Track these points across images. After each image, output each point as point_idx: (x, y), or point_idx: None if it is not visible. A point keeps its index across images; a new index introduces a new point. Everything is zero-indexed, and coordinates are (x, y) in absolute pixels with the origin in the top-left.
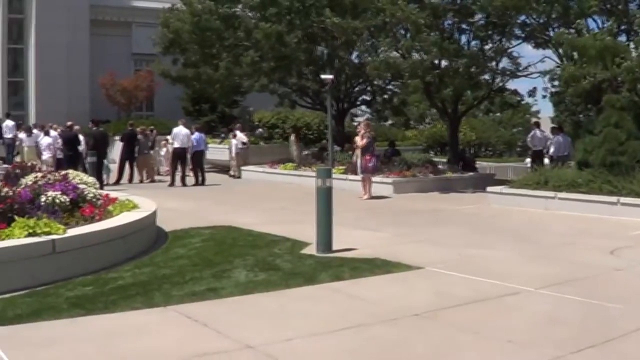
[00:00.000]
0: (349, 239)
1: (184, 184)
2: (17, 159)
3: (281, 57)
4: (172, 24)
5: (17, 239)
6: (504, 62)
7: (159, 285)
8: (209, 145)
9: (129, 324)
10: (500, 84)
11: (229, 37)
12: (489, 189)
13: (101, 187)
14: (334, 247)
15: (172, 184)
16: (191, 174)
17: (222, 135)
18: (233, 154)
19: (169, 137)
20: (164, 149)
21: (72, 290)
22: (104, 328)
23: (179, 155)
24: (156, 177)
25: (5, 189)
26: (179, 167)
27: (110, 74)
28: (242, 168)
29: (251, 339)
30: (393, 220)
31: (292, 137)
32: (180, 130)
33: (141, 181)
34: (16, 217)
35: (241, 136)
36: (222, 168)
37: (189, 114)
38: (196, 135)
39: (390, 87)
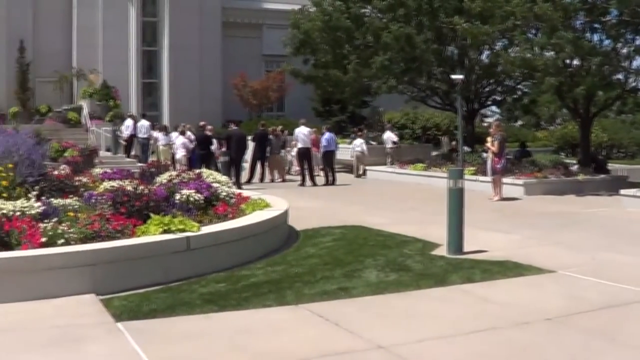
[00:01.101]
0: (479, 241)
1: (313, 183)
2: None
3: (411, 59)
4: (302, 25)
5: (152, 235)
6: (638, 61)
7: (290, 284)
8: (339, 145)
9: (262, 321)
10: (634, 84)
11: (358, 38)
12: (622, 191)
13: (239, 187)
14: (465, 249)
15: (302, 183)
16: (321, 173)
17: (352, 135)
18: (355, 154)
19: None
20: (295, 149)
21: (205, 286)
22: (237, 325)
23: (303, 155)
24: (287, 177)
25: (141, 187)
26: (308, 167)
27: (241, 75)
28: (372, 168)
29: (382, 339)
30: (524, 222)
31: (445, 138)
32: (301, 130)
33: (272, 180)
34: (151, 215)
35: (392, 135)
36: (352, 168)
37: (319, 115)
38: (327, 135)
39: (520, 86)
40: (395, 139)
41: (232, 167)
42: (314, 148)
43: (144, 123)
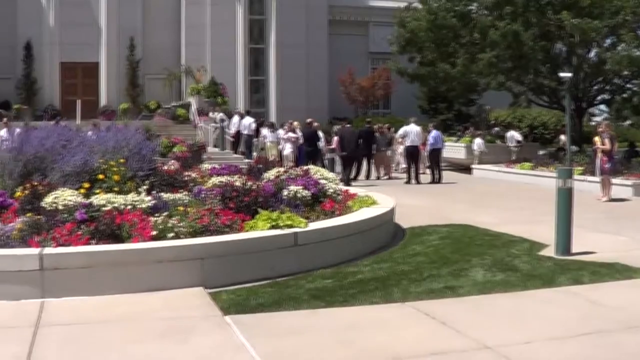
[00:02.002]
0: (587, 242)
1: (418, 181)
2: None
3: (518, 56)
4: (408, 24)
5: (260, 230)
6: None
7: (397, 281)
8: (445, 144)
9: (368, 318)
10: None
11: (464, 36)
12: None
13: (347, 183)
14: (573, 250)
15: (408, 181)
16: (427, 171)
17: (459, 133)
18: (476, 153)
19: (398, 134)
20: (401, 147)
21: (312, 282)
22: (344, 321)
23: (411, 153)
24: (393, 174)
25: (250, 183)
26: (414, 165)
27: (348, 72)
28: (478, 167)
29: (489, 339)
30: (633, 224)
31: (562, 137)
32: (412, 128)
33: (378, 178)
34: (260, 210)
35: (515, 134)
36: (458, 166)
37: (425, 112)
38: (434, 133)
39: (629, 85)
40: (520, 137)
41: (347, 164)
42: (420, 146)
43: (248, 120)
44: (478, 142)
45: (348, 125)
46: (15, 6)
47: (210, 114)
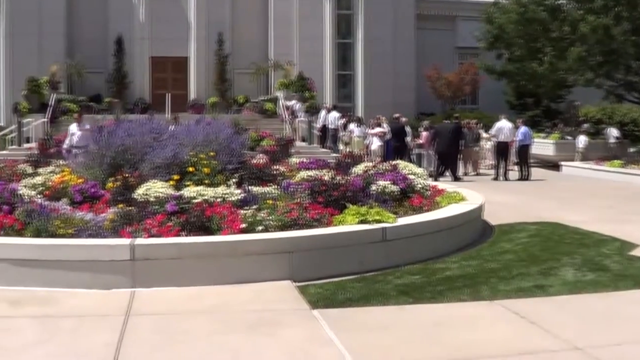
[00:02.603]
0: None
1: (506, 178)
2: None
3: (608, 51)
4: (496, 20)
5: (349, 225)
6: None
7: (485, 279)
8: (534, 140)
9: (456, 316)
10: None
11: (554, 30)
12: None
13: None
14: None
15: (496, 177)
16: (515, 168)
17: (547, 129)
18: (580, 149)
19: (491, 131)
20: (489, 143)
21: (400, 278)
22: (432, 317)
23: (502, 150)
24: (481, 170)
25: (338, 177)
26: (503, 161)
27: (435, 67)
28: (567, 164)
29: (579, 340)
30: None
31: None
32: (504, 124)
33: (466, 174)
34: (348, 205)
35: (614, 130)
36: (546, 163)
37: (513, 108)
38: (523, 129)
39: None
40: (618, 133)
41: (441, 160)
42: (509, 142)
43: (334, 114)
44: (582, 139)
45: (446, 121)
46: (107, 2)
47: (287, 102)
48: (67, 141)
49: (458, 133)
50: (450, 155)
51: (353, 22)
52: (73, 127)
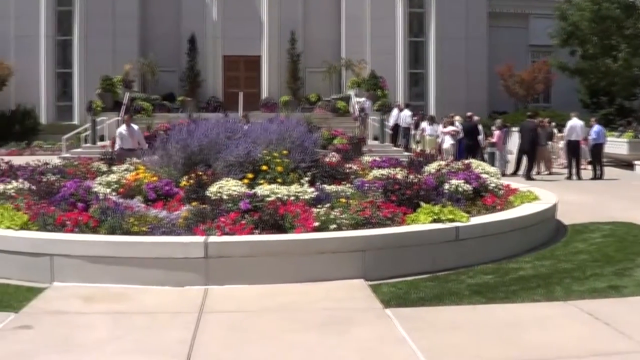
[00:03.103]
0: None
1: (579, 177)
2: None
3: None
4: (570, 16)
5: (422, 224)
6: None
7: (559, 279)
8: (607, 139)
9: (529, 316)
10: None
11: (628, 27)
12: None
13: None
14: None
15: (569, 177)
16: (589, 167)
17: (621, 128)
18: None
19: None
20: (562, 141)
21: (472, 277)
22: (504, 317)
23: (574, 148)
24: (553, 170)
25: (411, 176)
26: (576, 160)
27: (507, 65)
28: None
29: None
30: None
31: None
32: (575, 123)
33: (538, 173)
34: (422, 203)
35: None
36: (619, 162)
37: (586, 107)
38: (596, 127)
39: None
40: None
41: (522, 158)
42: (582, 141)
43: (406, 112)
44: None
45: (529, 120)
46: (180, 1)
47: (357, 99)
48: (117, 143)
49: (531, 131)
50: (529, 153)
51: (425, 20)
52: (122, 129)
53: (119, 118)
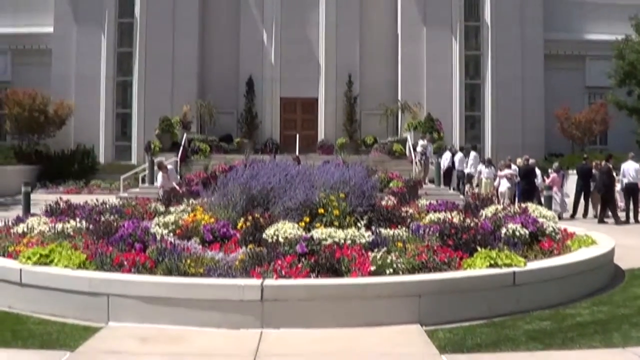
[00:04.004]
0: None
1: (637, 220)
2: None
3: None
4: (627, 56)
5: (478, 269)
6: None
7: (617, 325)
8: None
9: None
10: None
11: None
12: None
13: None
14: None
15: (627, 220)
16: None
17: None
18: None
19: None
20: (618, 185)
21: (529, 323)
22: None
23: (630, 191)
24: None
25: (467, 220)
26: (634, 203)
27: (564, 107)
28: None
29: None
30: None
31: None
32: (630, 165)
33: (595, 216)
34: (478, 248)
35: None
36: None
37: None
38: (634, 165)
39: None
40: None
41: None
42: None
43: (460, 155)
44: None
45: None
46: (238, 44)
47: (421, 141)
48: (159, 184)
49: (587, 174)
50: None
51: (482, 63)
52: (159, 176)
53: (177, 159)
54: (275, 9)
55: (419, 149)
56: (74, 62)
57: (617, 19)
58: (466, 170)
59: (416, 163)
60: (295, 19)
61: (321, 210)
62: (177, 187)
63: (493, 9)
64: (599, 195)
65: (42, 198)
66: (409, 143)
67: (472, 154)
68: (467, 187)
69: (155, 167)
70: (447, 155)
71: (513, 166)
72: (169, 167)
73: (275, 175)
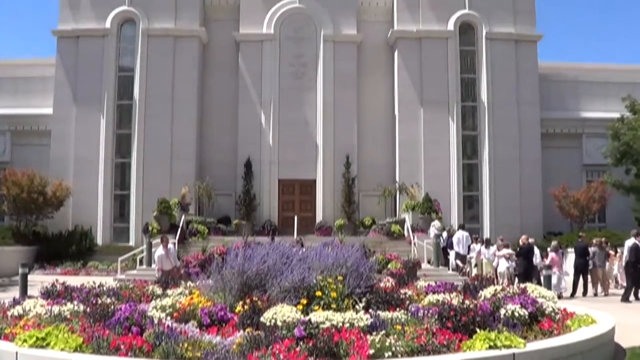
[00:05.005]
0: None
1: (637, 298)
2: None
3: None
4: (623, 135)
5: (477, 351)
6: None
7: None
8: None
9: None
10: None
11: None
12: None
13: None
14: None
15: (626, 298)
16: None
17: None
18: None
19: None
20: (617, 262)
21: None
22: None
23: (632, 268)
24: (610, 291)
25: (467, 302)
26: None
27: (561, 186)
28: None
29: None
30: None
31: None
32: (630, 242)
33: (595, 294)
34: (477, 329)
35: None
36: None
37: None
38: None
39: None
40: None
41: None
42: None
43: (459, 235)
44: None
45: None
46: (236, 126)
47: (436, 223)
48: (156, 265)
49: (584, 252)
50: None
51: (479, 143)
52: (160, 251)
53: (174, 241)
54: (273, 91)
55: (432, 229)
56: (72, 144)
57: (612, 96)
58: (455, 249)
59: (412, 244)
60: (293, 101)
61: (319, 293)
62: (176, 269)
63: (489, 90)
64: (599, 272)
65: (39, 279)
66: (407, 224)
67: (463, 233)
68: (460, 265)
69: (156, 241)
70: (444, 235)
71: (508, 250)
72: (170, 245)
73: (273, 257)
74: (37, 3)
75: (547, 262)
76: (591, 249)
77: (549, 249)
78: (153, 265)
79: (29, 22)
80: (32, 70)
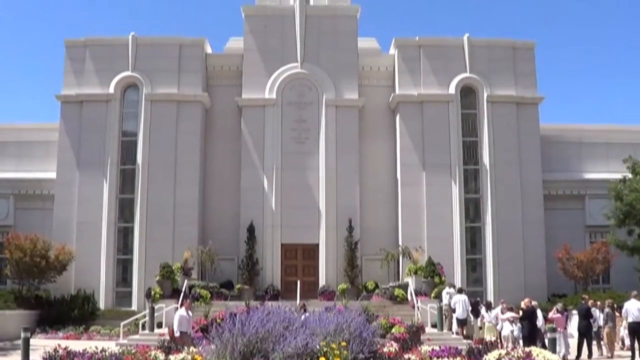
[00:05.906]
0: None
1: None
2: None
3: None
4: (625, 196)
5: None
6: None
7: None
8: None
9: None
10: None
11: None
12: None
13: None
14: None
15: (632, 359)
16: None
17: None
18: None
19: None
20: (624, 323)
21: None
22: None
23: (633, 330)
24: (616, 352)
25: None
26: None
27: (565, 247)
28: None
29: None
30: None
31: None
32: (632, 304)
33: (601, 355)
34: None
35: None
36: None
37: None
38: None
39: None
40: None
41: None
42: None
43: (461, 298)
44: None
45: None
46: (239, 190)
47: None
48: (176, 326)
49: (588, 314)
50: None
51: (481, 206)
52: (183, 312)
53: (177, 306)
54: (275, 155)
55: (444, 298)
56: (75, 208)
57: (614, 157)
58: (455, 315)
59: (416, 309)
60: (295, 165)
61: (322, 359)
62: (188, 331)
63: (491, 153)
64: (611, 331)
65: (41, 344)
66: (411, 288)
67: (461, 297)
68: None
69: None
70: (445, 299)
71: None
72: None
73: (275, 322)
74: (41, 68)
75: (551, 317)
76: (595, 310)
77: (552, 312)
78: (156, 330)
79: (33, 87)
80: (36, 134)
